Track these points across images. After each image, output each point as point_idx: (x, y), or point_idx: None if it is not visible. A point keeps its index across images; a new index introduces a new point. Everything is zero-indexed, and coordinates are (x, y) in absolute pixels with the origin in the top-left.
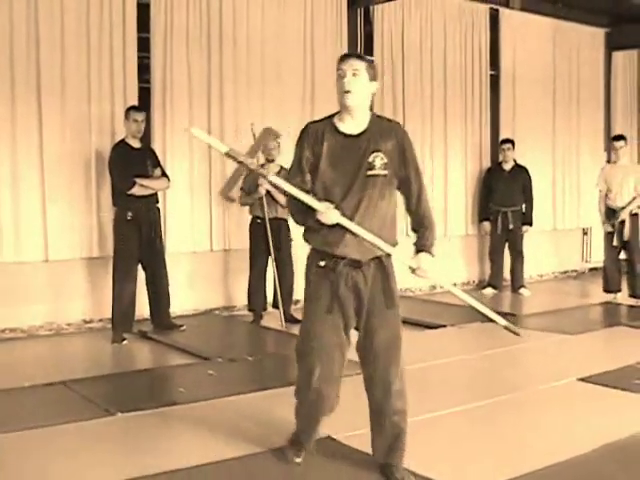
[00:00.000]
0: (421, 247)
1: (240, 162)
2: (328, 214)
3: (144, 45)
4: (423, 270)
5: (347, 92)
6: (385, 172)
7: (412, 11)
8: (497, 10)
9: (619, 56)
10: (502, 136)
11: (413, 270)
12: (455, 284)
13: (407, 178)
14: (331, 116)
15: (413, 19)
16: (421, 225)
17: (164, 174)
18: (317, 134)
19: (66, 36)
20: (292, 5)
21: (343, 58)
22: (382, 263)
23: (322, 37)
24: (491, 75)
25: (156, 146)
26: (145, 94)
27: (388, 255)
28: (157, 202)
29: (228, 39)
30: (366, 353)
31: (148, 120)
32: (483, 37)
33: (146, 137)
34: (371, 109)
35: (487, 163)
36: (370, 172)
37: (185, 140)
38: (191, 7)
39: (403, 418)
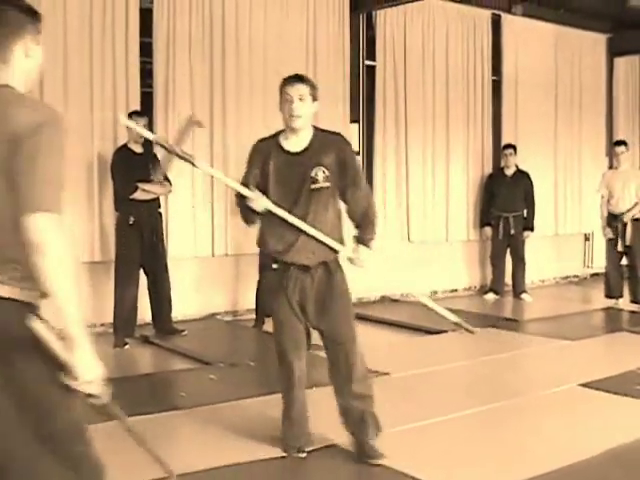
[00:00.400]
0: (361, 240)
1: (168, 149)
2: (258, 201)
3: (147, 50)
4: (360, 260)
5: (295, 117)
6: (327, 184)
7: (414, 16)
8: (499, 16)
9: (621, 62)
10: (504, 141)
11: (351, 260)
12: (456, 289)
13: (346, 187)
14: (277, 134)
15: (415, 24)
16: (362, 222)
17: (166, 179)
18: (264, 153)
19: (69, 40)
20: (294, 10)
21: (289, 82)
22: (328, 266)
23: (324, 42)
24: (493, 80)
25: (158, 150)
26: (147, 99)
27: (335, 259)
28: (159, 207)
29: (230, 44)
30: (326, 344)
31: (150, 125)
32: (485, 42)
33: (148, 142)
34: (373, 115)
35: (489, 168)
36: (314, 186)
37: (187, 144)
38: (194, 12)
39: (367, 402)
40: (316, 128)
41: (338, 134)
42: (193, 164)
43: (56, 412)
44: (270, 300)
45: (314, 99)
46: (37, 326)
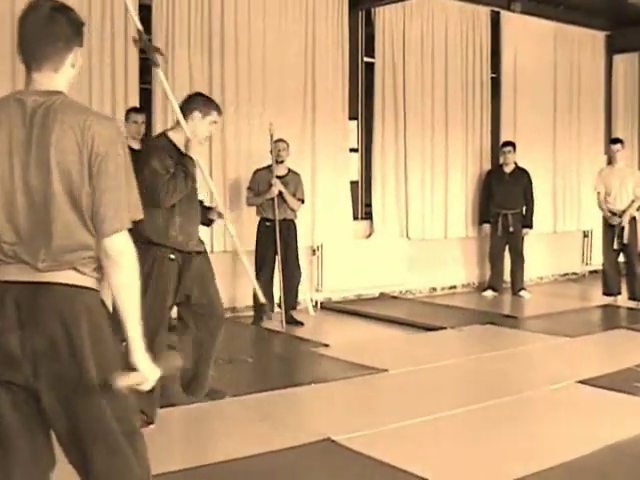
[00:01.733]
0: None
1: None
2: None
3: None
4: None
5: (207, 138)
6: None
7: (413, 13)
8: (498, 13)
9: (620, 59)
10: (503, 139)
11: None
12: (455, 286)
13: None
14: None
15: (414, 21)
16: None
17: None
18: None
19: None
20: (293, 7)
21: (218, 108)
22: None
23: (323, 39)
24: (492, 78)
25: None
26: (146, 95)
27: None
28: None
29: (230, 40)
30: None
31: (149, 122)
32: (484, 40)
33: (146, 138)
34: (372, 112)
35: (488, 165)
36: (195, 184)
37: None
38: (193, 8)
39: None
40: None
41: None
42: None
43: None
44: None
45: None
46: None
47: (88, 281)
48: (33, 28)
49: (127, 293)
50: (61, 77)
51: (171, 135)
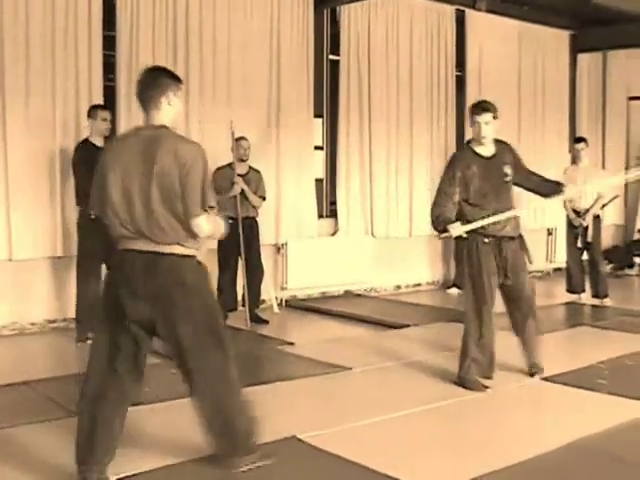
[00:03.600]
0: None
1: None
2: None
3: (110, 43)
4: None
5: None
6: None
7: (378, 12)
8: (463, 11)
9: (584, 58)
10: (467, 137)
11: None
12: (420, 284)
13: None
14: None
15: (379, 20)
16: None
17: None
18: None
19: (31, 33)
20: (258, 5)
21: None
22: None
23: (288, 37)
24: (457, 76)
25: None
26: (110, 92)
27: None
28: None
29: (194, 38)
30: None
31: (113, 119)
32: (449, 38)
33: (111, 136)
34: (336, 110)
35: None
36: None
37: None
38: (157, 6)
39: None
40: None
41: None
42: None
43: (215, 315)
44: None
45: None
46: None
47: (187, 251)
48: (141, 82)
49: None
50: (162, 114)
51: None
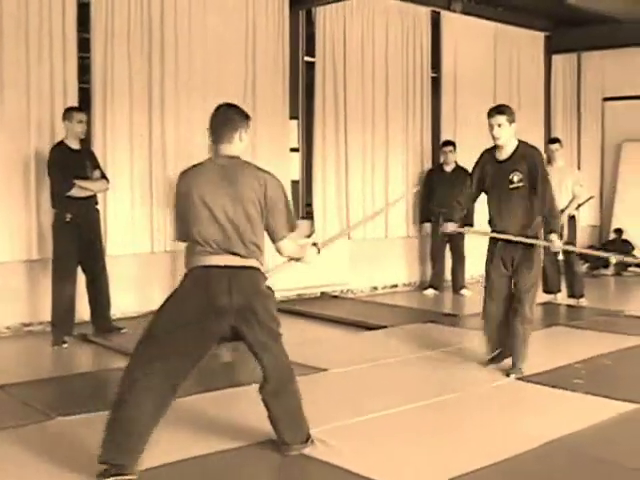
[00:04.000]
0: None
1: None
2: None
3: (84, 45)
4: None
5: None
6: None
7: (354, 13)
8: (439, 13)
9: (559, 59)
10: (443, 138)
11: None
12: (396, 285)
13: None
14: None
15: (355, 21)
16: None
17: (103, 176)
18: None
19: (5, 35)
20: (234, 6)
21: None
22: None
23: (264, 38)
24: (432, 77)
25: (96, 147)
26: (85, 95)
27: None
28: (97, 204)
29: (170, 39)
30: None
31: (89, 121)
32: (425, 39)
33: (86, 138)
34: (312, 111)
35: (428, 164)
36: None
37: (125, 141)
38: (132, 8)
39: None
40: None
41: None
42: None
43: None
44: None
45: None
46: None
47: (259, 264)
48: (217, 118)
49: (293, 255)
50: (235, 147)
51: None
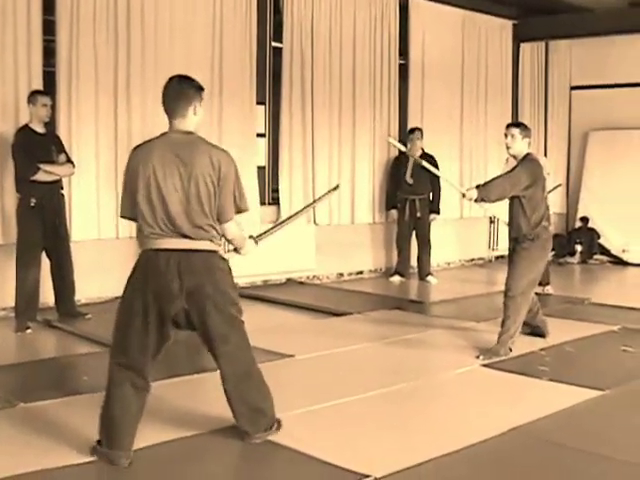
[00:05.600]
0: None
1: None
2: None
3: (49, 28)
4: None
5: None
6: None
7: (322, 0)
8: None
9: (527, 47)
10: (410, 125)
11: None
12: (362, 272)
13: None
14: None
15: (323, 7)
16: None
17: (69, 160)
18: None
19: None
20: None
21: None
22: None
23: (231, 24)
24: (400, 64)
25: (61, 131)
26: (50, 78)
27: None
28: (61, 188)
29: (136, 23)
30: None
31: (53, 105)
32: (392, 26)
33: (51, 122)
34: (279, 97)
35: (395, 151)
36: None
37: (91, 126)
38: None
39: None
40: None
41: None
42: None
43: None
44: None
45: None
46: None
47: (213, 246)
48: (169, 92)
49: (235, 240)
50: (188, 121)
51: None
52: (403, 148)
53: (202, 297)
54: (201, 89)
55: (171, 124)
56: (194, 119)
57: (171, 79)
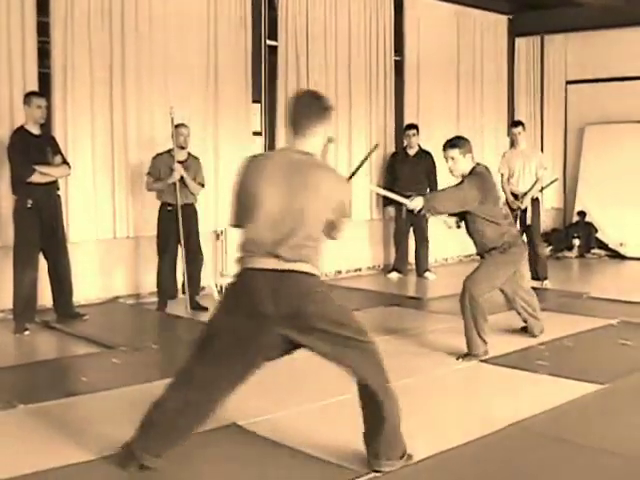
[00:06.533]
0: None
1: None
2: None
3: (44, 29)
4: None
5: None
6: None
7: None
8: None
9: (522, 42)
10: (406, 121)
11: None
12: (360, 269)
13: None
14: None
15: (317, 4)
16: None
17: (65, 161)
18: None
19: None
20: None
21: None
22: None
23: (226, 22)
24: (395, 61)
25: (57, 133)
26: (45, 80)
27: None
28: (58, 190)
29: (130, 23)
30: None
31: (48, 106)
32: (388, 22)
33: (46, 124)
34: (275, 95)
35: (391, 148)
36: None
37: (86, 126)
38: None
39: None
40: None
41: None
42: None
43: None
44: None
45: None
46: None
47: (309, 268)
48: (299, 108)
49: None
50: (309, 143)
51: None
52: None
53: (300, 321)
54: (330, 110)
55: (292, 139)
56: (318, 141)
57: (304, 93)
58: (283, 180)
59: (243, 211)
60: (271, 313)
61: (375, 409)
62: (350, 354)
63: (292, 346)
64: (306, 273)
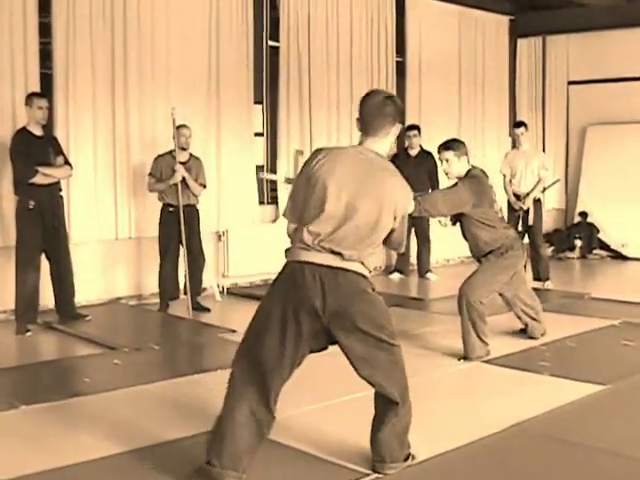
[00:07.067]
0: None
1: None
2: None
3: (46, 30)
4: None
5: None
6: None
7: None
8: None
9: (524, 43)
10: (408, 122)
11: None
12: None
13: None
14: None
15: (319, 5)
16: None
17: (67, 162)
18: None
19: None
20: None
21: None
22: None
23: (228, 23)
24: (397, 61)
25: (59, 134)
26: (47, 80)
27: None
28: (60, 190)
29: (132, 25)
30: None
31: (50, 107)
32: (389, 23)
33: (48, 124)
34: (276, 96)
35: (393, 149)
36: None
37: (88, 127)
38: None
39: None
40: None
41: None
42: None
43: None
44: None
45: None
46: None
47: (365, 270)
48: (371, 109)
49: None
50: (379, 143)
51: None
52: (274, 177)
53: (344, 320)
54: (403, 112)
55: (363, 139)
56: (387, 143)
57: (376, 94)
58: (354, 178)
59: (306, 203)
60: (319, 307)
61: (390, 413)
62: (380, 356)
63: (330, 342)
64: (358, 273)
